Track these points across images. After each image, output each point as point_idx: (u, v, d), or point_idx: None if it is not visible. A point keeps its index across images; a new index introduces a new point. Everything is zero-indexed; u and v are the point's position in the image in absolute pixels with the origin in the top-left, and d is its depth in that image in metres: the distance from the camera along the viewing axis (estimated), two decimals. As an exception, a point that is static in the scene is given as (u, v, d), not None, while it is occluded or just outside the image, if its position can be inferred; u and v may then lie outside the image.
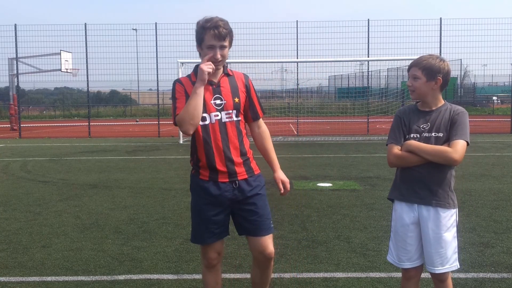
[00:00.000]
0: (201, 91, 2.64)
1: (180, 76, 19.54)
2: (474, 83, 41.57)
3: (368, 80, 23.27)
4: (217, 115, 2.74)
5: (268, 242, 2.90)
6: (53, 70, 22.07)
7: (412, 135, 2.71)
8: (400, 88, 28.52)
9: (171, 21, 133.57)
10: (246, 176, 2.81)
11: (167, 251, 4.60)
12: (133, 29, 22.47)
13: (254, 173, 2.86)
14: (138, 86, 40.05)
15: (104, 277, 3.94)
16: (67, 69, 21.88)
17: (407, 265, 2.83)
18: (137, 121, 33.05)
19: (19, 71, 21.48)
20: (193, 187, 2.86)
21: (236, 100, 2.77)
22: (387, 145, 2.81)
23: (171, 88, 2.78)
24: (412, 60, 2.83)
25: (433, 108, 2.73)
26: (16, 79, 21.89)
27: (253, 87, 2.91)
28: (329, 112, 26.57)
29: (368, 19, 19.63)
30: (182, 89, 2.74)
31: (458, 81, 36.15)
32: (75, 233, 5.28)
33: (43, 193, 7.63)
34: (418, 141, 2.69)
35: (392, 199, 2.87)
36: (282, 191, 2.92)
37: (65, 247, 4.77)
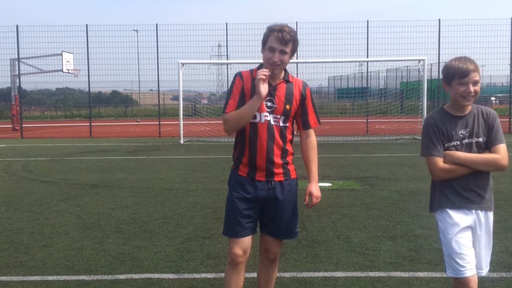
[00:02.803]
0: (257, 106, 2.75)
1: (181, 76, 19.39)
2: (474, 83, 41.41)
3: (367, 81, 23.31)
4: (267, 116, 2.81)
5: (278, 245, 3.02)
6: (55, 71, 22.12)
7: (452, 143, 2.65)
8: (399, 89, 28.56)
9: (171, 22, 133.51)
10: (282, 179, 2.89)
11: (168, 250, 4.63)
12: (134, 30, 22.51)
13: (291, 177, 2.94)
14: (139, 87, 40.11)
15: (105, 277, 3.97)
16: (68, 69, 21.90)
17: (469, 272, 2.66)
18: (138, 122, 33.07)
19: (20, 72, 21.53)
20: (230, 181, 2.94)
21: (288, 107, 2.83)
22: (425, 156, 2.71)
23: (232, 78, 2.89)
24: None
25: (466, 112, 2.67)
26: (18, 80, 21.90)
27: (311, 96, 2.94)
28: (329, 112, 26.60)
29: (368, 20, 19.66)
30: (240, 85, 2.83)
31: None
32: (76, 232, 5.31)
33: (45, 193, 7.66)
34: (459, 148, 2.64)
35: (436, 210, 2.77)
36: (306, 202, 2.98)
37: (66, 246, 4.80)
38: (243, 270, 2.92)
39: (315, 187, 2.98)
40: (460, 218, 2.67)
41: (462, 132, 2.66)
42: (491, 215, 2.72)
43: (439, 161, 2.65)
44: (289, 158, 2.94)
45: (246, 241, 2.87)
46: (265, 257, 3.06)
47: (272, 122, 2.81)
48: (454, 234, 2.67)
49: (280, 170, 2.88)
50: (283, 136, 2.86)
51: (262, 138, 2.81)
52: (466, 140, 2.65)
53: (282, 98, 2.82)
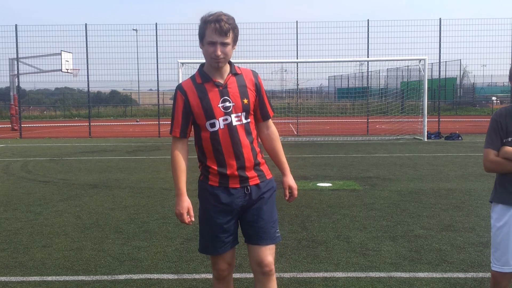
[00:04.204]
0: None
1: (180, 76, 19.26)
2: (473, 83, 41.57)
3: (367, 80, 23.28)
4: (226, 119, 2.54)
5: (267, 253, 2.65)
6: (54, 71, 22.08)
7: (509, 139, 2.68)
8: (400, 89, 28.59)
9: (171, 21, 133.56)
10: (258, 181, 2.63)
11: (167, 251, 4.62)
12: (134, 30, 22.48)
13: (266, 178, 2.68)
14: (139, 86, 40.04)
15: (105, 277, 3.96)
16: (67, 69, 21.88)
17: (507, 269, 2.74)
18: (138, 121, 33.05)
19: (19, 72, 21.49)
20: (201, 193, 2.68)
21: (245, 101, 2.57)
22: (484, 148, 2.80)
23: (174, 93, 2.65)
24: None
25: None
26: (16, 80, 21.89)
27: (262, 85, 2.69)
28: (329, 112, 26.61)
29: (368, 20, 19.64)
30: (182, 99, 2.57)
31: (458, 81, 36.18)
32: (76, 233, 5.29)
33: (44, 193, 7.65)
34: None
35: (491, 201, 2.86)
36: (287, 197, 2.75)
37: (66, 247, 4.78)
38: (231, 280, 2.78)
39: (292, 179, 2.75)
40: (502, 213, 2.75)
41: None
42: None
43: (490, 153, 2.72)
44: (260, 158, 2.66)
45: (229, 254, 2.68)
46: (259, 272, 2.65)
47: (235, 123, 2.54)
48: (496, 228, 2.78)
49: (253, 174, 2.61)
50: (248, 134, 2.59)
51: (226, 144, 2.54)
52: None
53: (237, 93, 2.56)
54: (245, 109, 2.58)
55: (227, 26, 2.44)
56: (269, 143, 2.74)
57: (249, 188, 2.61)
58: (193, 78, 2.61)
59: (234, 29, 2.50)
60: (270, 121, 2.75)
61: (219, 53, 2.46)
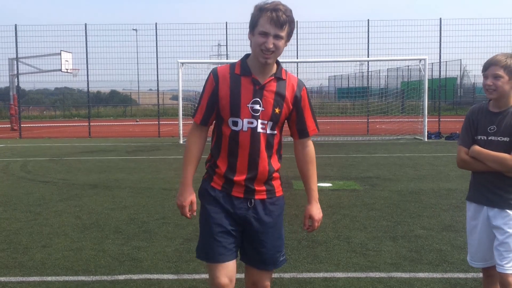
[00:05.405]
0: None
1: (180, 76, 19.21)
2: (473, 83, 41.58)
3: (368, 80, 23.29)
4: (252, 123, 2.31)
5: (266, 277, 2.50)
6: (53, 70, 22.09)
7: (479, 137, 2.71)
8: (400, 88, 28.59)
9: (171, 21, 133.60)
10: (264, 197, 2.41)
11: (167, 251, 4.61)
12: (133, 29, 22.48)
13: (276, 195, 2.45)
14: (138, 86, 40.01)
15: (104, 277, 3.95)
16: (67, 69, 21.88)
17: (480, 264, 2.85)
18: (137, 121, 33.04)
19: (19, 71, 21.51)
20: (202, 192, 2.46)
21: (277, 110, 2.33)
22: (458, 144, 2.84)
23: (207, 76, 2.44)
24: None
25: (502, 110, 2.69)
26: (16, 79, 21.88)
27: (308, 98, 2.43)
28: (329, 112, 26.57)
29: (368, 20, 19.65)
30: (211, 86, 2.36)
31: (458, 81, 36.19)
32: (75, 233, 5.29)
33: (44, 193, 7.64)
34: (482, 143, 2.68)
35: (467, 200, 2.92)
36: (306, 227, 2.52)
37: (65, 247, 4.77)
38: None
39: (316, 209, 2.48)
40: (476, 212, 2.80)
41: (491, 128, 2.68)
42: (505, 213, 2.67)
43: (462, 151, 2.76)
44: (275, 174, 2.44)
45: (231, 266, 2.37)
46: None
47: (259, 130, 2.31)
48: (471, 226, 2.85)
49: (262, 187, 2.39)
50: (269, 146, 2.37)
51: (244, 149, 2.32)
52: (492, 137, 2.68)
53: (271, 99, 2.31)
54: (274, 119, 2.34)
55: (284, 17, 2.23)
56: (302, 165, 2.49)
57: (253, 201, 2.39)
58: (232, 66, 2.37)
59: (291, 22, 2.27)
60: (309, 140, 2.48)
61: (270, 45, 2.23)
